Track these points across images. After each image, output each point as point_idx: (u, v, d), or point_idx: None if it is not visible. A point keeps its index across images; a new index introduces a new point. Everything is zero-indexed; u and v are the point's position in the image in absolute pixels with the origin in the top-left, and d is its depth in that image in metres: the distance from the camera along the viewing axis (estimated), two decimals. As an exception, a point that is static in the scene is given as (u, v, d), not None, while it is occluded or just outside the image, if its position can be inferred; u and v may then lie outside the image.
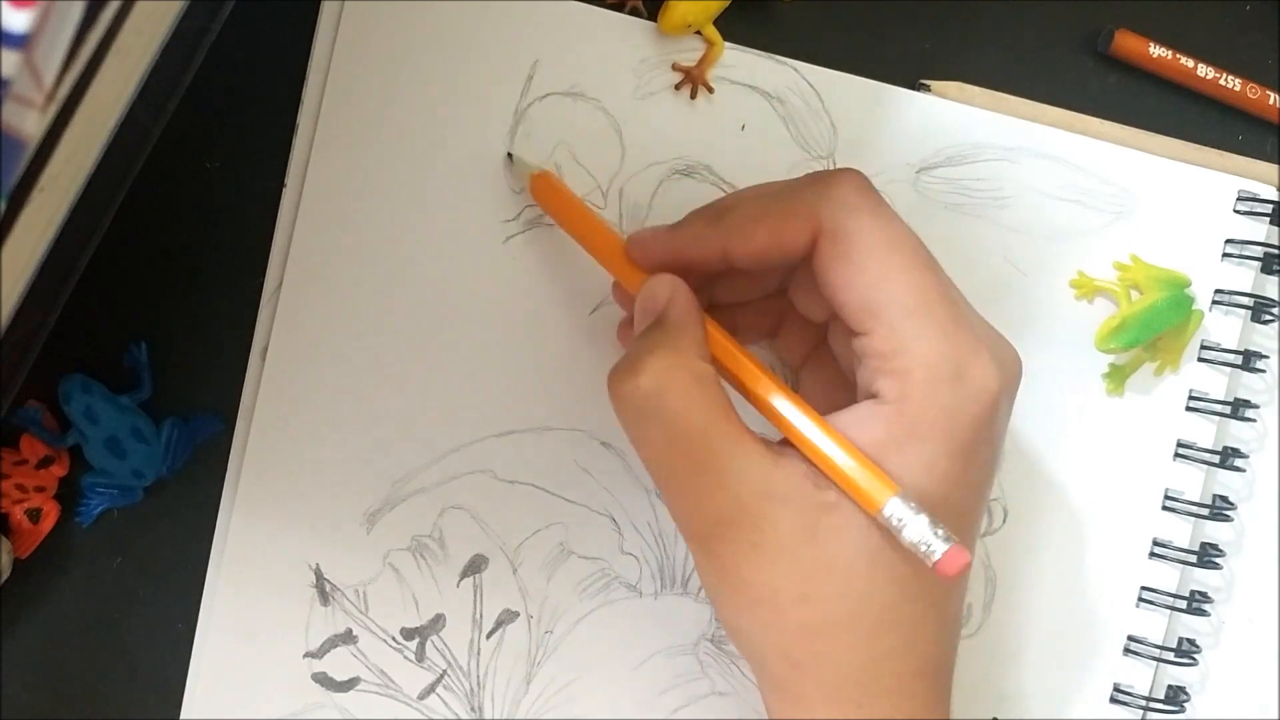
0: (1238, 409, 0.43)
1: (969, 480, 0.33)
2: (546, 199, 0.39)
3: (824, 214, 0.33)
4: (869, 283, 0.32)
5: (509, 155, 0.40)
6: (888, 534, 0.32)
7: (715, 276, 0.37)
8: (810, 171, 0.38)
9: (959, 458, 0.32)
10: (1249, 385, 0.44)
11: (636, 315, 0.35)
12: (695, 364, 0.33)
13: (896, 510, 0.31)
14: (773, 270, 0.37)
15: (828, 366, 0.38)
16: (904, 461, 0.32)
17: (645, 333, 0.34)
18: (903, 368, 0.32)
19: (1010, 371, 0.34)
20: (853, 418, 0.33)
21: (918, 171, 0.42)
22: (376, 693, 0.41)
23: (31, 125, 0.22)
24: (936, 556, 0.31)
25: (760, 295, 0.38)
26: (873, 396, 0.33)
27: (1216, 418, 0.44)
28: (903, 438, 0.32)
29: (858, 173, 0.34)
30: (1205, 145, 0.44)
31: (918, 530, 0.31)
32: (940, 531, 0.31)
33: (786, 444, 0.33)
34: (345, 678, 0.41)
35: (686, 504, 0.33)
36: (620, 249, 0.36)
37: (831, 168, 0.41)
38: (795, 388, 0.40)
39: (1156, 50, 0.43)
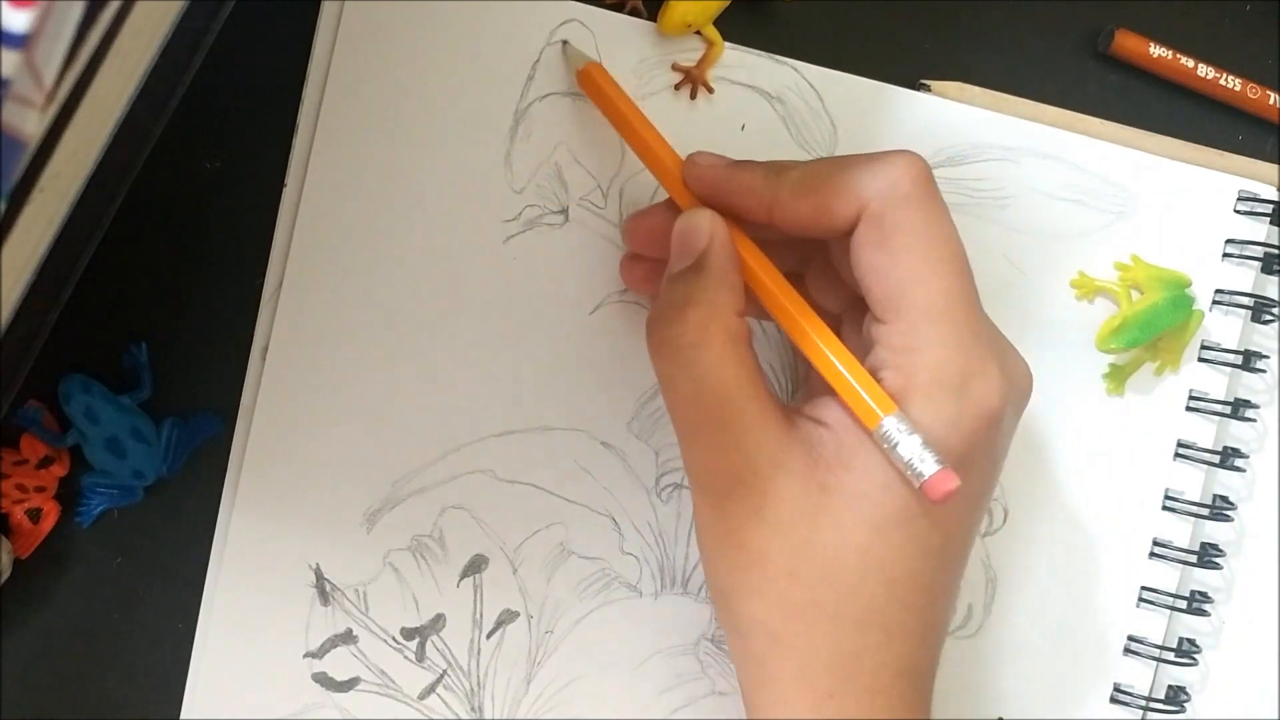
0: (1238, 409, 0.43)
1: (963, 490, 0.33)
2: (594, 93, 0.39)
3: (872, 196, 0.33)
4: (899, 276, 0.32)
5: (564, 43, 0.39)
6: (878, 531, 0.32)
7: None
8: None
9: (953, 467, 0.32)
10: (1249, 385, 0.44)
11: (674, 245, 0.35)
12: (732, 320, 0.33)
13: (892, 428, 0.31)
14: (808, 241, 0.37)
15: None
16: None
17: (685, 277, 0.34)
18: (910, 367, 0.32)
19: (1018, 388, 0.34)
20: None
21: (918, 171, 0.42)
22: (376, 693, 0.41)
23: (31, 125, 0.22)
24: (925, 476, 0.31)
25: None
26: None
27: (1216, 418, 0.44)
28: None
29: (917, 158, 0.34)
30: (1205, 145, 0.44)
31: (910, 448, 0.31)
32: (931, 454, 0.31)
33: (799, 413, 0.34)
34: (345, 678, 0.41)
35: (703, 456, 0.34)
36: (675, 164, 0.36)
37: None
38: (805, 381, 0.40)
39: (1156, 50, 0.43)
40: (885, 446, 0.32)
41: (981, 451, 0.33)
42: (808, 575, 0.32)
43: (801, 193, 0.34)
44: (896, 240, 0.32)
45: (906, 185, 0.33)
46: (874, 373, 0.33)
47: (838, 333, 0.38)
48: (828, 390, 0.34)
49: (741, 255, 0.35)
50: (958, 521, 0.34)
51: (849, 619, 0.32)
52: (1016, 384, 0.34)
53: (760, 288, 0.35)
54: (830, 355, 0.33)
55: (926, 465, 0.31)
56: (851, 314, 0.37)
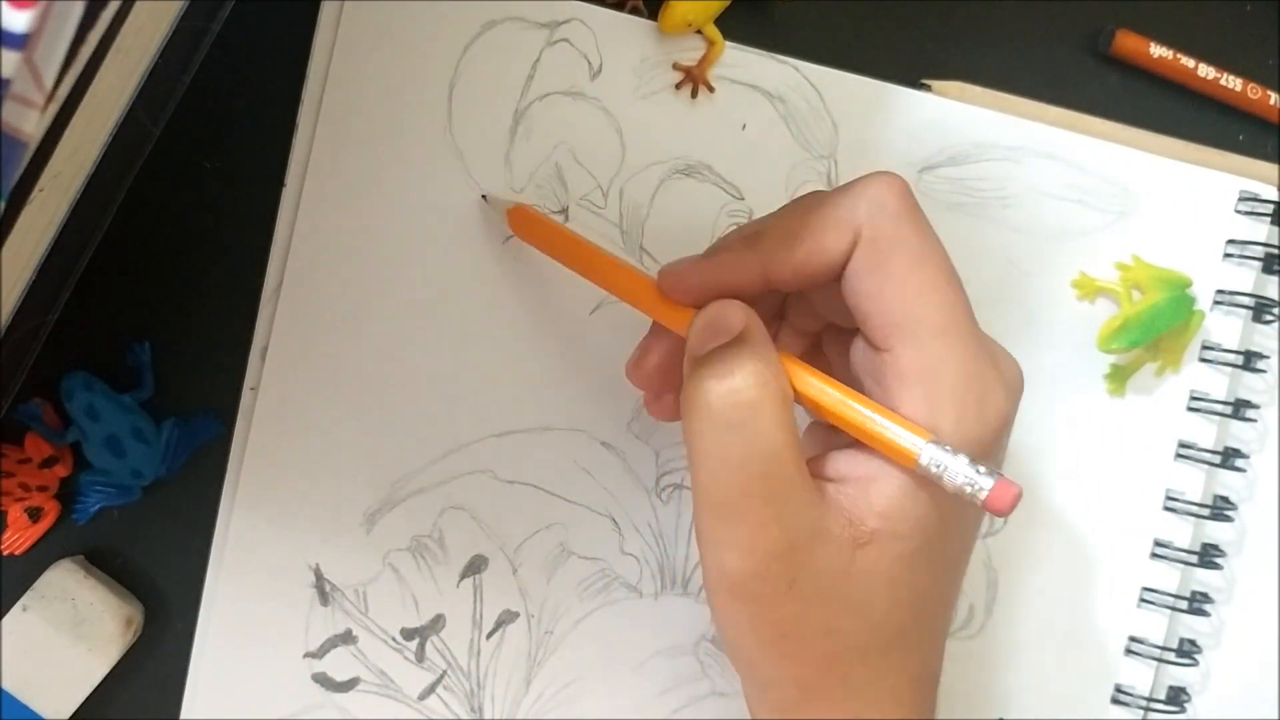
0: (1239, 409, 0.43)
1: None
2: (534, 233, 0.37)
3: (864, 218, 0.32)
4: (903, 297, 0.31)
5: (483, 197, 0.39)
6: (907, 562, 0.31)
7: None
8: (832, 184, 0.37)
9: None
10: (1250, 385, 0.44)
11: (701, 335, 0.32)
12: (784, 380, 0.31)
13: (934, 455, 0.30)
14: (811, 286, 0.35)
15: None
16: None
17: (727, 347, 0.31)
18: (932, 393, 0.31)
19: (1016, 387, 0.33)
20: None
21: (920, 171, 0.42)
22: (376, 693, 0.41)
23: (31, 125, 0.22)
24: (984, 494, 0.29)
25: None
26: None
27: (1217, 418, 0.44)
28: None
29: (898, 177, 0.32)
30: (1205, 145, 0.44)
31: (960, 470, 0.30)
32: (982, 468, 0.30)
33: (826, 480, 0.32)
34: (345, 678, 0.41)
35: (738, 533, 0.31)
36: (648, 286, 0.34)
37: (833, 167, 0.41)
38: None
39: (1157, 50, 0.43)
40: (934, 472, 0.30)
41: (993, 456, 0.33)
42: (844, 628, 0.31)
43: (790, 242, 0.32)
44: (894, 260, 0.31)
45: (894, 203, 0.32)
46: (892, 405, 0.32)
47: (812, 349, 0.37)
48: (831, 445, 0.33)
49: None
50: (969, 530, 0.34)
51: (877, 647, 0.32)
52: (1015, 385, 0.33)
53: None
54: (853, 404, 0.31)
55: (984, 480, 0.30)
56: (831, 332, 0.36)
